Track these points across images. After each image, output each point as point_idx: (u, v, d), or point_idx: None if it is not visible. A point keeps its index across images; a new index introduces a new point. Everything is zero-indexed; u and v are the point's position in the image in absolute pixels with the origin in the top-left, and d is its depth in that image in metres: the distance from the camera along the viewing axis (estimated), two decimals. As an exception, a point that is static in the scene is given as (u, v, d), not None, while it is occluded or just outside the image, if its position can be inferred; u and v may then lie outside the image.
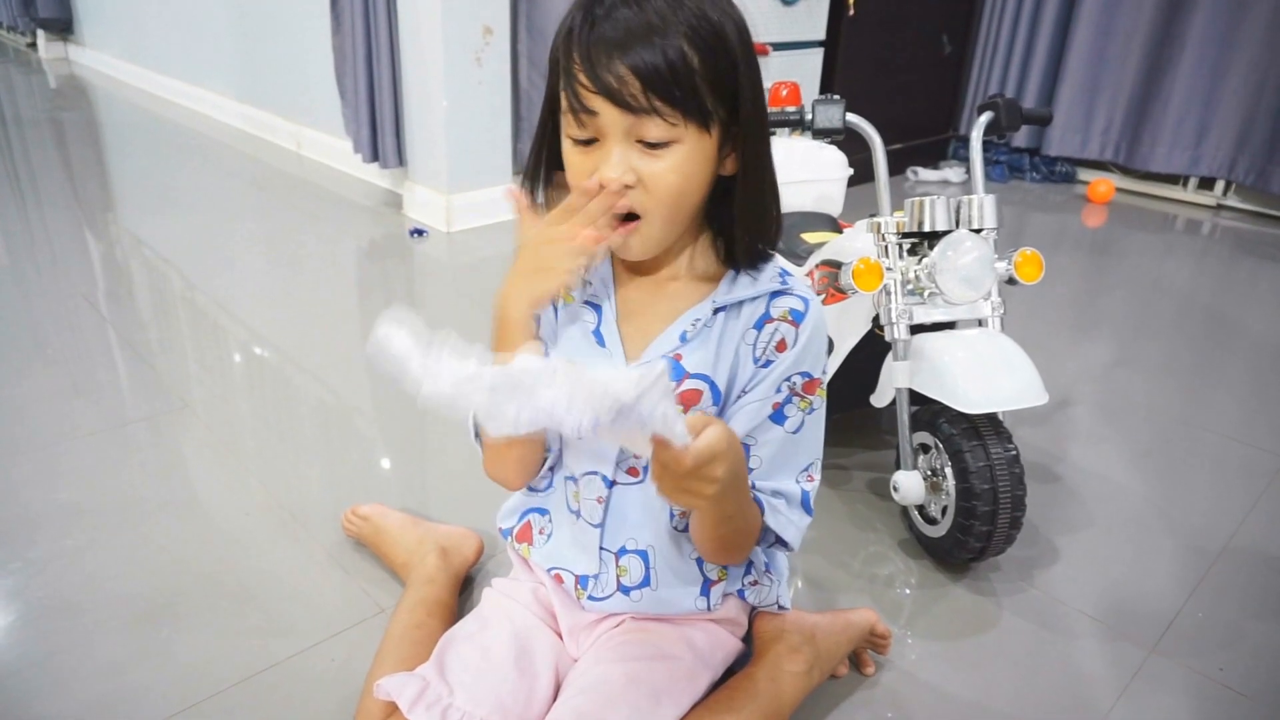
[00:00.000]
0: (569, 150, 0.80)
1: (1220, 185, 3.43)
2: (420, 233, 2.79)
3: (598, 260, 0.80)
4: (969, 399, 1.24)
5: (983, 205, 1.33)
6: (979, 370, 1.27)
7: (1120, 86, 3.47)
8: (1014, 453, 1.26)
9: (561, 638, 1.03)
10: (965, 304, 1.33)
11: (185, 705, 1.06)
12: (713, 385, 0.88)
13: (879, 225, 1.35)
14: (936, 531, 1.34)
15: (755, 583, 1.04)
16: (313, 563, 1.32)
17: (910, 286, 1.34)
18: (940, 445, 1.32)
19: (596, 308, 0.91)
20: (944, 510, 1.32)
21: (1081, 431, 1.77)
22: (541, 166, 0.87)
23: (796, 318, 0.87)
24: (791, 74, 3.08)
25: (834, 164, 1.88)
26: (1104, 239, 3.14)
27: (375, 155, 2.98)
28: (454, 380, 0.64)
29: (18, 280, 2.32)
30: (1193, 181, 3.50)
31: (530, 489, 1.03)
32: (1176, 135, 3.38)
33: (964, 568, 1.35)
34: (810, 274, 1.53)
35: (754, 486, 0.89)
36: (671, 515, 0.95)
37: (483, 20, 2.66)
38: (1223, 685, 1.15)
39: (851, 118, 1.41)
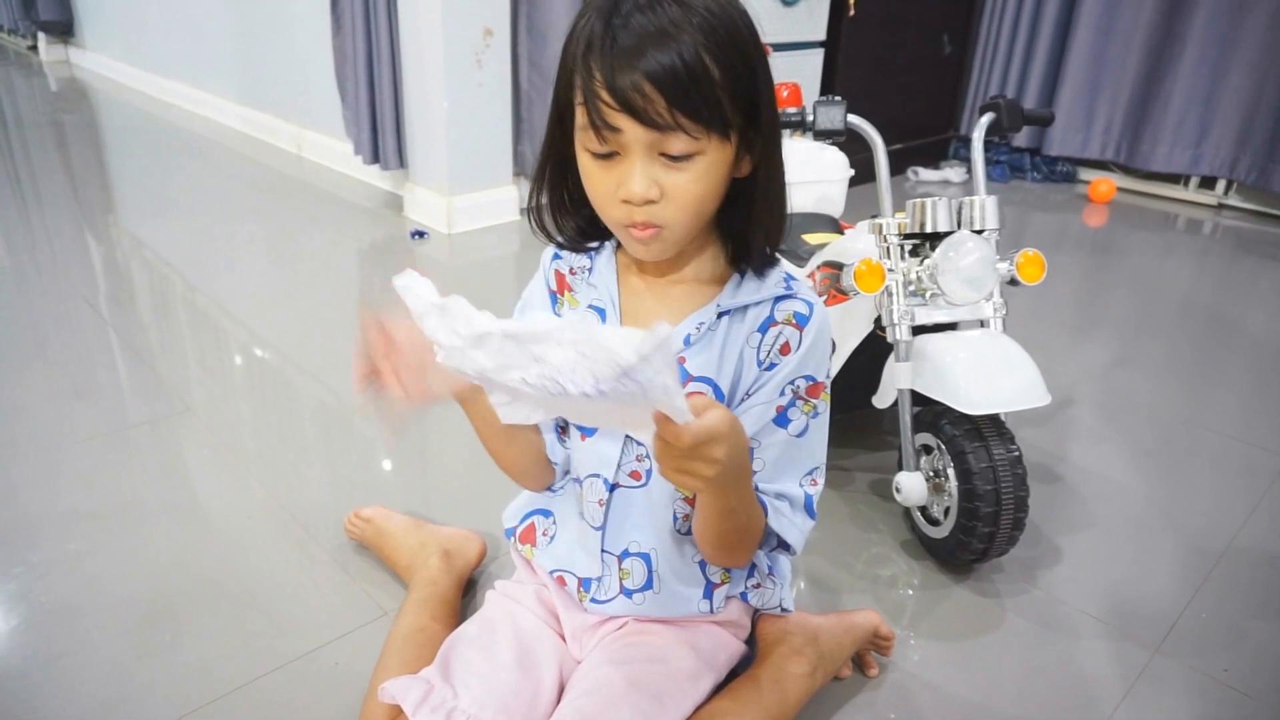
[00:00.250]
0: (588, 164, 0.79)
1: (1221, 184, 3.43)
2: (421, 234, 2.79)
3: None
4: (971, 400, 1.24)
5: (984, 206, 1.33)
6: (981, 371, 1.27)
7: (1121, 86, 3.47)
8: (1016, 453, 1.25)
9: (565, 640, 1.03)
10: (967, 305, 1.33)
11: (188, 709, 1.06)
12: (716, 389, 0.88)
13: (881, 226, 1.35)
14: (939, 532, 1.34)
15: (758, 585, 1.04)
16: (315, 565, 1.31)
17: (912, 287, 1.34)
18: (942, 446, 1.31)
19: (600, 311, 0.91)
20: (946, 511, 1.31)
21: (1084, 432, 1.77)
22: (545, 175, 0.87)
23: (801, 321, 0.87)
24: (792, 75, 3.08)
25: (835, 165, 1.88)
26: (1105, 239, 3.13)
27: (376, 157, 2.98)
28: (469, 333, 0.65)
29: (19, 282, 2.32)
30: (1194, 181, 3.50)
31: (540, 490, 1.03)
32: (1177, 134, 3.38)
33: (967, 569, 1.35)
34: (812, 275, 1.53)
35: (757, 489, 0.89)
36: (675, 518, 0.95)
37: (483, 21, 2.66)
38: (1227, 686, 1.15)
39: (853, 119, 1.41)
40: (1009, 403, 1.25)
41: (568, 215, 0.89)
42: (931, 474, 1.35)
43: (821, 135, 1.40)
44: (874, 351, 1.43)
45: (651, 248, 0.81)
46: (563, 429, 0.98)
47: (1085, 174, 3.76)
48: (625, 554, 0.97)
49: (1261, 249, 3.03)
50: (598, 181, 0.79)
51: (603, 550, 0.97)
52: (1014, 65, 3.73)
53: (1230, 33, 3.19)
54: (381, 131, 2.91)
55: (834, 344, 1.48)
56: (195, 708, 1.06)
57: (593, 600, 1.00)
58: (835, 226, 1.80)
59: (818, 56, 3.32)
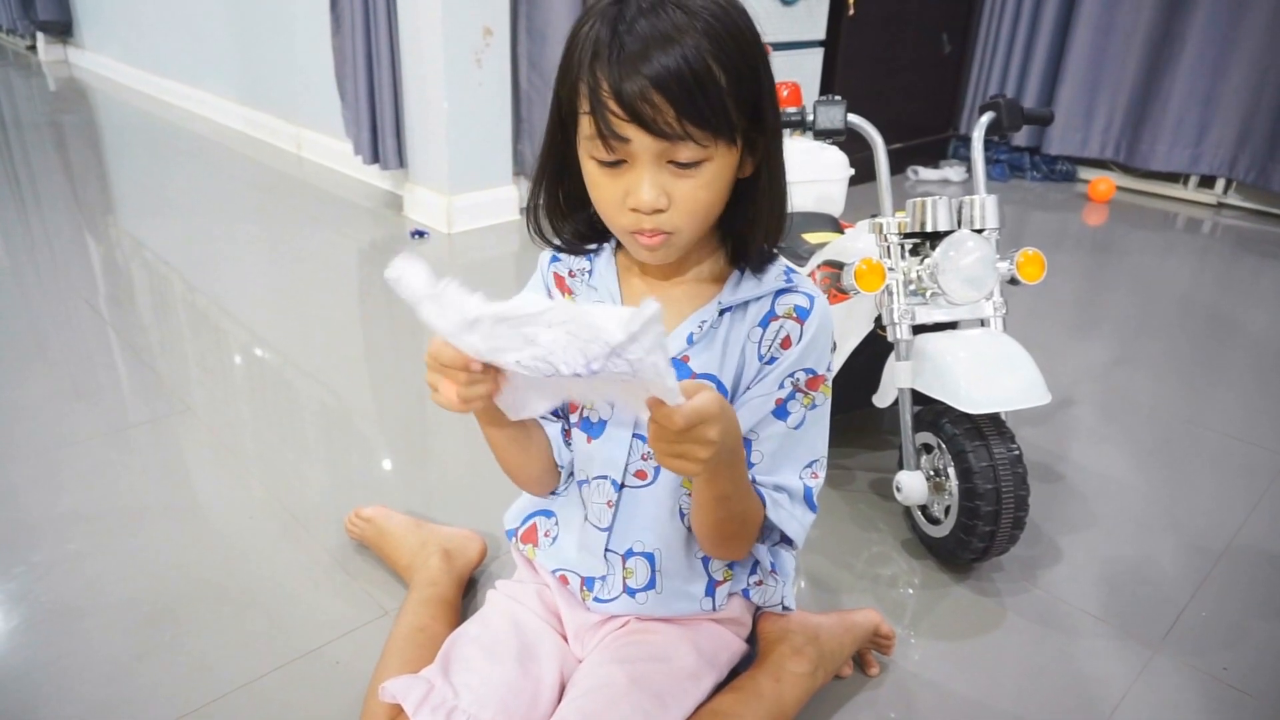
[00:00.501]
0: (594, 172, 0.79)
1: (1221, 183, 3.43)
2: (421, 234, 2.79)
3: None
4: (971, 399, 1.24)
5: (984, 205, 1.34)
6: (981, 370, 1.27)
7: (1120, 85, 3.47)
8: (1017, 452, 1.26)
9: (566, 639, 1.03)
10: (967, 304, 1.33)
11: (189, 709, 1.06)
12: (720, 385, 0.88)
13: (881, 226, 1.35)
14: (939, 532, 1.34)
15: (760, 583, 1.04)
16: (316, 565, 1.32)
17: (912, 287, 1.34)
18: (943, 445, 1.32)
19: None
20: (947, 510, 1.32)
21: (1084, 431, 1.77)
22: (557, 195, 0.87)
23: (801, 314, 0.87)
24: (791, 74, 3.08)
25: (835, 164, 1.88)
26: (1105, 238, 3.13)
27: (376, 157, 2.98)
28: (460, 318, 0.65)
29: (18, 283, 2.32)
30: (1193, 180, 3.50)
31: (544, 495, 1.03)
32: (1177, 133, 3.38)
33: (967, 568, 1.35)
34: (812, 275, 1.53)
35: (755, 481, 0.89)
36: (681, 514, 0.96)
37: (483, 21, 2.66)
38: (1227, 685, 1.15)
39: (853, 118, 1.41)
40: (1009, 402, 1.25)
41: (566, 218, 0.89)
42: (932, 473, 1.35)
43: (821, 135, 1.40)
44: (874, 351, 1.43)
45: (659, 253, 0.81)
46: (566, 432, 0.98)
47: (1085, 173, 3.76)
48: (629, 553, 0.97)
49: (1261, 248, 3.04)
50: (604, 190, 0.78)
51: (607, 550, 0.98)
52: (1013, 64, 3.74)
53: (1230, 32, 3.19)
54: (381, 131, 2.91)
55: (834, 343, 1.48)
56: (196, 707, 1.06)
57: (596, 599, 1.00)
58: (835, 226, 1.80)
59: (817, 56, 3.32)
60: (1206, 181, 3.47)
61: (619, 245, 0.89)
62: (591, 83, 0.74)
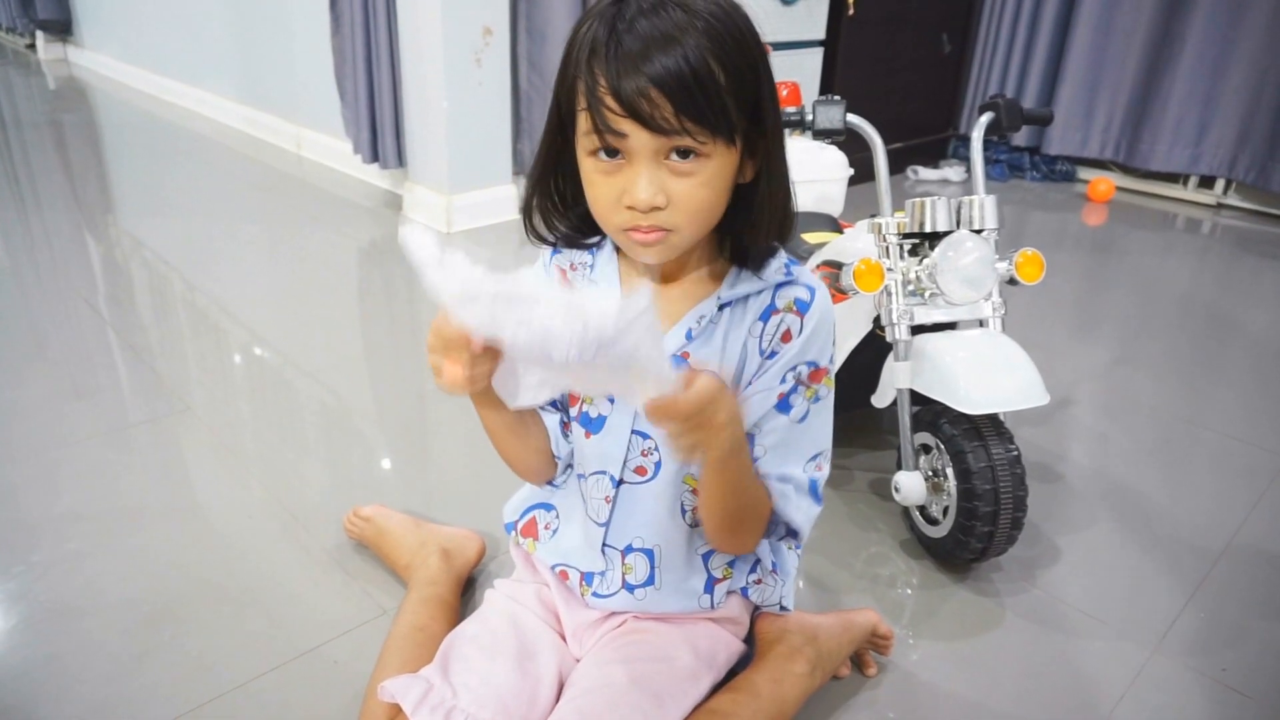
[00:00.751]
0: (591, 171, 0.78)
1: (1220, 184, 3.43)
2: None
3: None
4: (970, 399, 1.24)
5: (984, 206, 1.34)
6: (980, 371, 1.27)
7: (1120, 85, 3.47)
8: (1015, 453, 1.26)
9: (564, 638, 1.03)
10: (966, 304, 1.33)
11: (188, 708, 1.06)
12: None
13: (880, 226, 1.35)
14: (938, 532, 1.34)
15: (759, 581, 1.04)
16: (315, 565, 1.32)
17: (911, 287, 1.34)
18: (941, 446, 1.32)
19: None
20: (945, 511, 1.32)
21: (1083, 431, 1.77)
22: (550, 192, 0.87)
23: (801, 307, 0.87)
24: (791, 74, 3.08)
25: (834, 164, 1.88)
26: (1104, 238, 3.14)
27: (375, 156, 2.98)
28: (463, 285, 0.65)
29: (18, 282, 2.32)
30: (1193, 180, 3.50)
31: (541, 485, 1.03)
32: (1177, 133, 3.38)
33: (966, 568, 1.35)
34: (811, 274, 1.53)
35: (760, 474, 0.89)
36: (684, 510, 0.96)
37: (482, 21, 2.66)
38: (1226, 686, 1.15)
39: (852, 118, 1.41)
40: (1008, 402, 1.25)
41: (561, 215, 0.89)
42: (930, 473, 1.35)
43: (821, 135, 1.40)
44: (873, 351, 1.43)
45: (655, 251, 0.80)
46: (565, 425, 0.98)
47: (1084, 173, 3.77)
48: (629, 549, 0.97)
49: (1260, 248, 3.04)
50: (601, 188, 0.78)
51: (606, 545, 0.98)
52: (1013, 64, 3.73)
53: (1229, 32, 3.19)
54: (381, 130, 2.91)
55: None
56: (195, 706, 1.06)
57: (594, 594, 1.00)
58: (834, 226, 1.80)
59: (817, 55, 3.32)
60: (1206, 182, 3.47)
61: None
62: (589, 80, 0.74)
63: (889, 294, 1.33)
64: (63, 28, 5.70)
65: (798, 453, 0.90)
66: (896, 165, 3.69)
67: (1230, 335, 2.30)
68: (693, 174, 0.75)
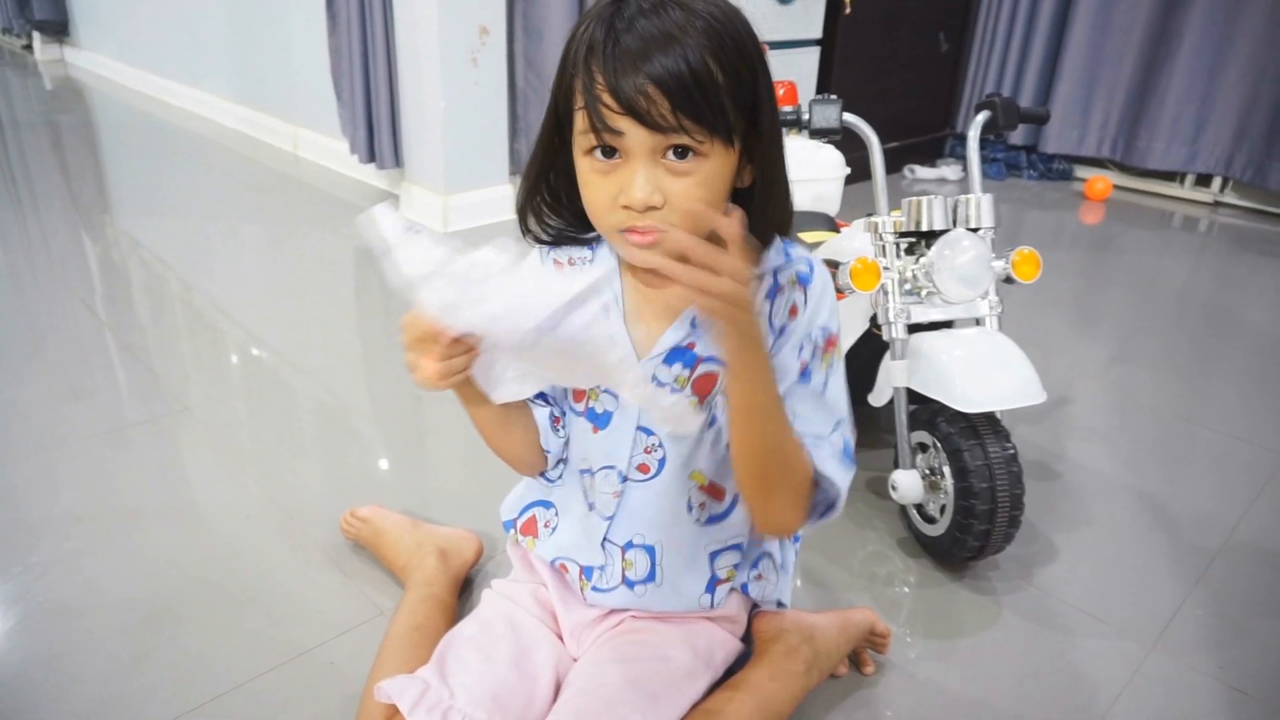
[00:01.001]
0: (587, 171, 0.78)
1: (1217, 182, 3.43)
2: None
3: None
4: (967, 398, 1.25)
5: (980, 204, 1.34)
6: (976, 369, 1.27)
7: (1117, 83, 3.47)
8: (1012, 451, 1.26)
9: (561, 638, 1.03)
10: (963, 303, 1.34)
11: (186, 709, 1.06)
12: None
13: (876, 225, 1.35)
14: (935, 530, 1.34)
15: (760, 576, 1.04)
16: (312, 565, 1.32)
17: (908, 286, 1.35)
18: (938, 444, 1.32)
19: None
20: (942, 509, 1.32)
21: (1080, 429, 1.78)
22: (543, 190, 0.86)
23: (804, 280, 0.88)
24: (788, 73, 3.08)
25: (831, 163, 1.88)
26: (1101, 236, 3.14)
27: (372, 156, 2.98)
28: (426, 264, 0.67)
29: (15, 283, 2.32)
30: (1190, 178, 3.50)
31: (540, 479, 1.03)
32: (1173, 132, 3.39)
33: (963, 566, 1.35)
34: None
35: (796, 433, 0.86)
36: (690, 507, 0.96)
37: (479, 20, 2.65)
38: (1223, 683, 1.15)
39: (849, 117, 1.41)
40: (1004, 401, 1.25)
41: (555, 214, 0.89)
42: (927, 472, 1.35)
43: (817, 134, 1.40)
44: (870, 350, 1.43)
45: (652, 252, 0.79)
46: (556, 419, 0.98)
47: (1081, 171, 3.77)
48: (629, 545, 0.98)
49: (1257, 246, 3.04)
50: (597, 189, 0.78)
51: (607, 540, 0.98)
52: (1010, 63, 3.74)
53: (1226, 29, 3.19)
54: (377, 130, 2.90)
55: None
56: (193, 707, 1.06)
57: (594, 589, 1.00)
58: (831, 225, 1.80)
59: (814, 55, 3.32)
60: (1203, 180, 3.48)
61: None
62: (586, 78, 0.74)
63: (886, 293, 1.33)
64: (59, 28, 5.69)
65: (825, 421, 0.88)
66: (894, 164, 3.69)
67: (1227, 333, 2.31)
68: (690, 174, 0.75)
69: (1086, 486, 1.58)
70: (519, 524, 1.07)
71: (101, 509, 1.42)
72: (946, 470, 1.30)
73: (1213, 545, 1.43)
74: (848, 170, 1.89)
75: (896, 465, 1.37)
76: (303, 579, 1.29)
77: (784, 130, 1.58)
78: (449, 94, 2.67)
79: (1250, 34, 3.15)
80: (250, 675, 1.11)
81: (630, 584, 0.99)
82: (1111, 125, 3.54)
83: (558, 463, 1.01)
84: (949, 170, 3.74)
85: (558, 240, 0.92)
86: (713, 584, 1.01)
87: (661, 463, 0.94)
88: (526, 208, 0.88)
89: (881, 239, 1.35)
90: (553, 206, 0.88)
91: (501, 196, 2.92)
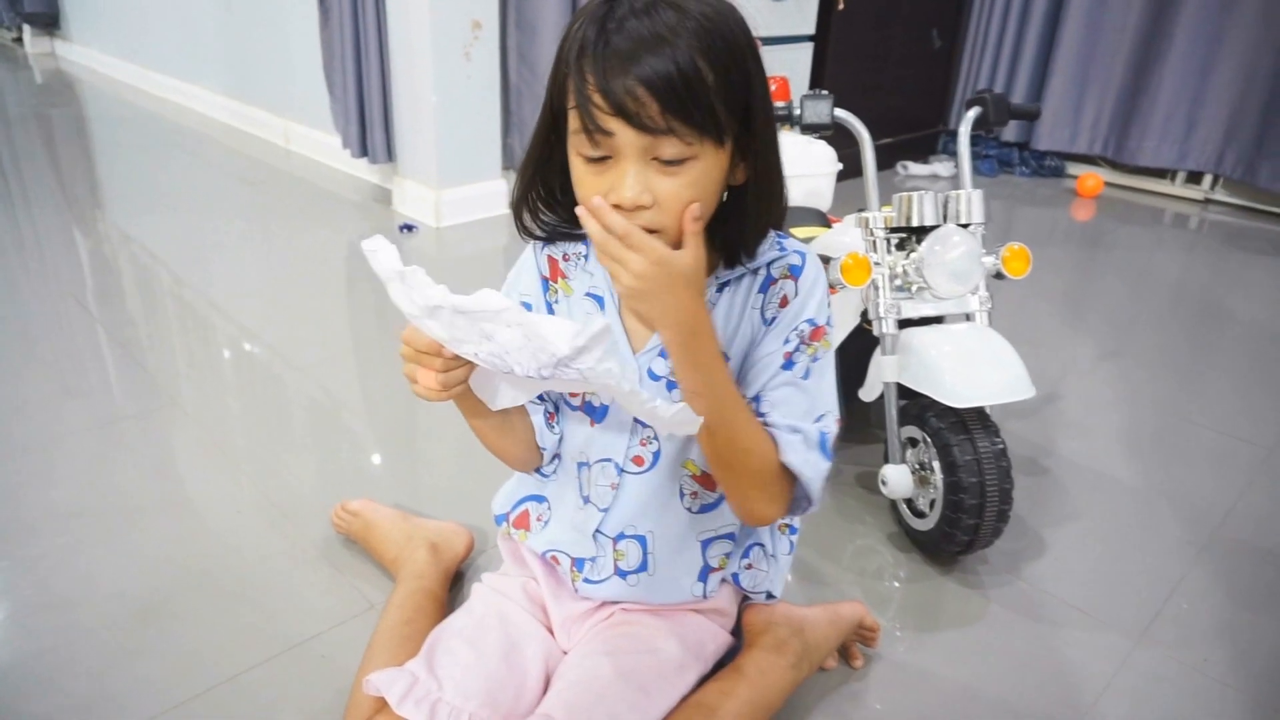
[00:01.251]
0: (580, 168, 0.78)
1: (1208, 179, 3.45)
2: (410, 228, 2.78)
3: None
4: (956, 393, 1.25)
5: (970, 200, 1.34)
6: (966, 364, 1.28)
7: (1109, 81, 3.48)
8: (1001, 446, 1.26)
9: (552, 632, 1.03)
10: (953, 299, 1.34)
11: (177, 701, 1.06)
12: (727, 359, 0.88)
13: (867, 220, 1.35)
14: (925, 525, 1.34)
15: (750, 566, 1.05)
16: (303, 559, 1.32)
17: (898, 281, 1.35)
18: (928, 439, 1.32)
19: (598, 299, 0.92)
20: (932, 503, 1.32)
21: (1070, 425, 1.78)
22: (538, 186, 0.86)
23: (795, 272, 0.88)
24: (781, 68, 3.08)
25: (824, 159, 1.89)
26: (1093, 233, 3.15)
27: (364, 150, 2.97)
28: (424, 303, 0.67)
29: (5, 279, 2.31)
30: (1180, 176, 3.52)
31: (534, 475, 1.04)
32: (1165, 129, 3.40)
33: (952, 560, 1.35)
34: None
35: (768, 422, 0.87)
36: (682, 495, 0.96)
37: (472, 15, 2.65)
38: (1207, 676, 1.16)
39: (840, 113, 1.41)
40: (994, 396, 1.26)
41: (550, 210, 0.89)
42: (917, 466, 1.36)
43: (808, 129, 1.40)
44: (860, 345, 1.44)
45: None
46: (550, 415, 0.98)
47: (1073, 168, 3.78)
48: (620, 536, 0.98)
49: (1247, 243, 3.05)
50: (589, 187, 0.78)
51: (599, 531, 0.98)
52: (1003, 59, 3.75)
53: (1217, 27, 3.21)
54: (370, 125, 2.90)
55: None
56: (183, 700, 1.06)
57: (585, 580, 1.00)
58: (823, 220, 1.80)
59: (807, 50, 3.32)
60: (1194, 177, 3.49)
61: None
62: (578, 78, 0.74)
63: (876, 288, 1.34)
64: (50, 21, 5.66)
65: (805, 410, 0.88)
66: (887, 160, 3.70)
67: (1216, 329, 2.32)
68: (680, 174, 0.75)
69: (1075, 481, 1.59)
70: (511, 518, 1.07)
71: (93, 504, 1.42)
72: (936, 465, 1.30)
73: (1199, 539, 1.44)
74: (840, 166, 1.89)
75: (886, 460, 1.38)
76: (294, 573, 1.29)
77: (777, 125, 1.59)
78: (441, 88, 2.66)
79: (1241, 33, 3.16)
80: (242, 668, 1.11)
81: (623, 574, 0.99)
82: (1103, 123, 3.55)
83: (553, 458, 1.01)
84: (941, 166, 3.75)
85: (553, 236, 0.92)
86: (705, 572, 1.01)
87: (656, 455, 0.94)
88: (522, 203, 0.88)
89: (872, 234, 1.35)
90: (548, 202, 0.88)
91: (494, 191, 2.91)
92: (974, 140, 1.49)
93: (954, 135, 4.01)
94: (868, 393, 1.44)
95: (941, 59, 3.86)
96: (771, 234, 0.89)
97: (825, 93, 1.40)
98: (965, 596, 1.29)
